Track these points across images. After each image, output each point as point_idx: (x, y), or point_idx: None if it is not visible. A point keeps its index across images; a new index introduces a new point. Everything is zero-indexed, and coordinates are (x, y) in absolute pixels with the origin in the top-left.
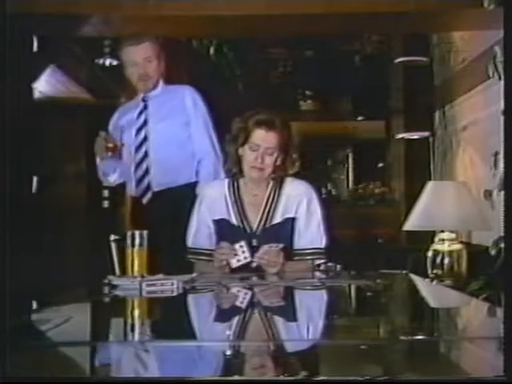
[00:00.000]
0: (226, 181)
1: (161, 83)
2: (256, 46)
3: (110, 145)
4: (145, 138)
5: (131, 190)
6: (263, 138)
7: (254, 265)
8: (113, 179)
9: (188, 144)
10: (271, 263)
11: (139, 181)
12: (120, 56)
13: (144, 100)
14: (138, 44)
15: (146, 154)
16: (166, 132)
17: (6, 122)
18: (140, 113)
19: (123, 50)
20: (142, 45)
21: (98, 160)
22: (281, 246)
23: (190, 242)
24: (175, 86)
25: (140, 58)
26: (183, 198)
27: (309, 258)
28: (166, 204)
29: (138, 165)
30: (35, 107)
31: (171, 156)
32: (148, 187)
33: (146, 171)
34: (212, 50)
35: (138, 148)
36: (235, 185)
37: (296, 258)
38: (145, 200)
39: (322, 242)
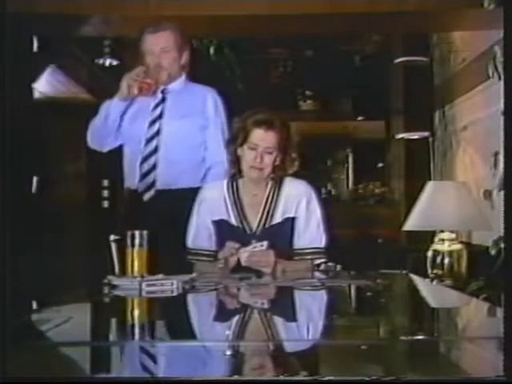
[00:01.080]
0: (225, 181)
1: (183, 78)
2: (256, 45)
3: (149, 80)
4: (157, 132)
5: (133, 184)
6: (262, 138)
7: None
8: (113, 122)
9: (200, 148)
10: (261, 263)
11: (144, 175)
12: (140, 46)
13: (163, 92)
14: (155, 32)
15: (155, 149)
16: (181, 131)
17: (6, 122)
18: (157, 105)
19: (142, 39)
20: (159, 33)
21: (108, 103)
22: (265, 243)
23: (189, 243)
24: (198, 84)
25: (156, 47)
26: (184, 200)
27: (309, 257)
28: (165, 204)
29: (146, 158)
30: (35, 107)
31: (181, 157)
32: (153, 183)
33: (154, 167)
34: (212, 50)
35: (148, 141)
36: (234, 185)
37: (296, 257)
38: (146, 197)
39: (321, 241)
